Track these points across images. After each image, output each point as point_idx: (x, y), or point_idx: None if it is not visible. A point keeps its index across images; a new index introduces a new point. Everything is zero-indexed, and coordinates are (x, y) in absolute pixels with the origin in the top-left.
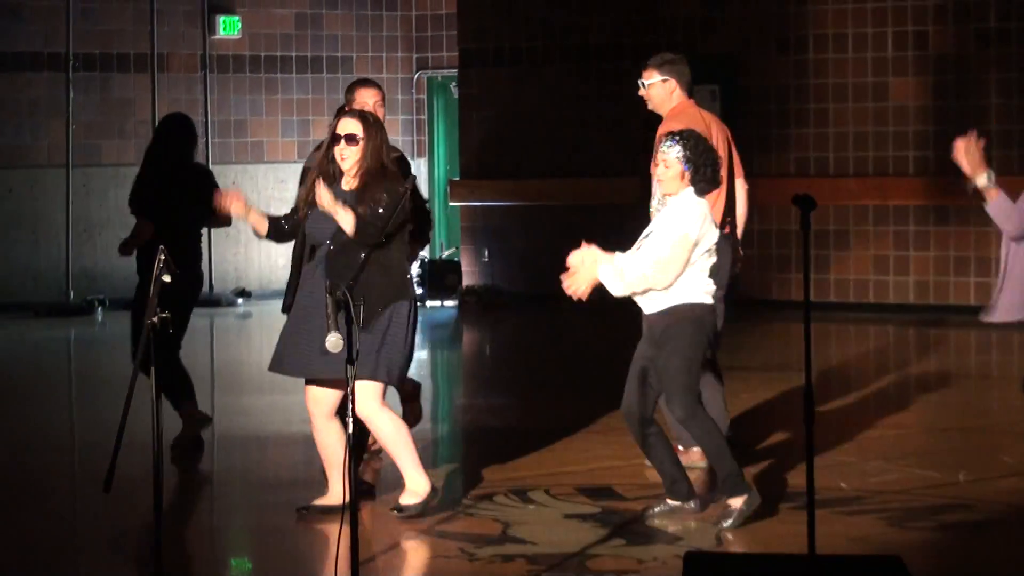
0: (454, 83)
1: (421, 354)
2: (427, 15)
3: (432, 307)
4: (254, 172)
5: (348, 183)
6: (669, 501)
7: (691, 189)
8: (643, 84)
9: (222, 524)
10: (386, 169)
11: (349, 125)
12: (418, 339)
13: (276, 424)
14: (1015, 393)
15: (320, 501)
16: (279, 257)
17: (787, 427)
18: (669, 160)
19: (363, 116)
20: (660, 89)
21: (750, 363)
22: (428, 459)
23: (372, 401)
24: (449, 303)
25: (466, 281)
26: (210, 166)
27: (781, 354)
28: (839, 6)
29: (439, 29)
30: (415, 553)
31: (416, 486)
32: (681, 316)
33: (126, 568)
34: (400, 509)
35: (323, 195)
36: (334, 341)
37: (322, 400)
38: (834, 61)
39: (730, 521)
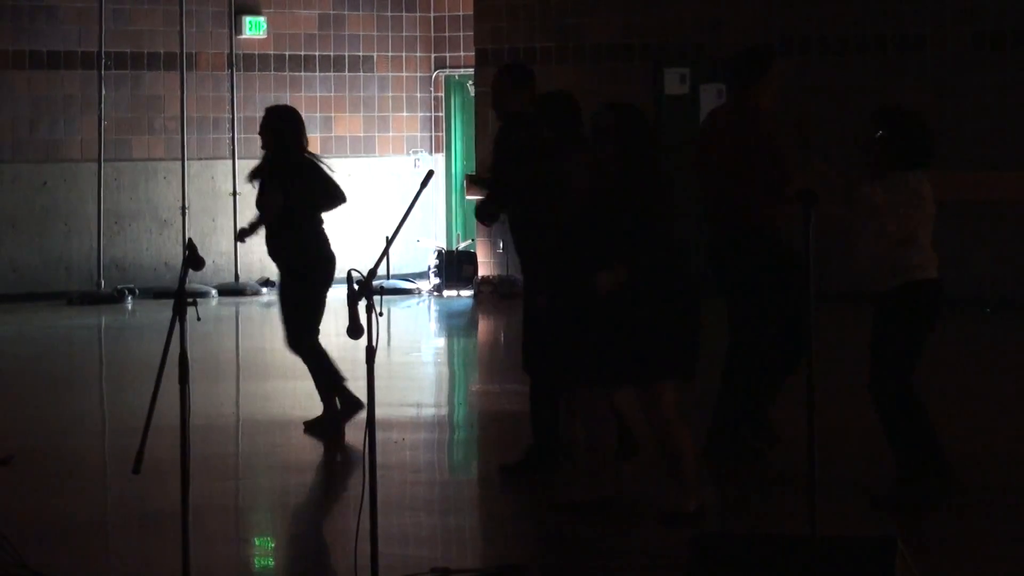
0: (471, 81)
1: (438, 342)
2: (445, 16)
3: (449, 297)
4: None
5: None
6: None
7: None
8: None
9: (246, 505)
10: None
11: (606, 118)
12: (435, 327)
13: (299, 409)
14: (1008, 379)
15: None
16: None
17: (792, 412)
18: None
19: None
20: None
21: None
22: (447, 442)
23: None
24: (465, 293)
25: (482, 272)
26: (236, 161)
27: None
28: (842, 7)
29: (457, 30)
30: (433, 531)
31: (684, 498)
32: None
33: (154, 546)
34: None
35: None
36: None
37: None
38: (836, 61)
39: None
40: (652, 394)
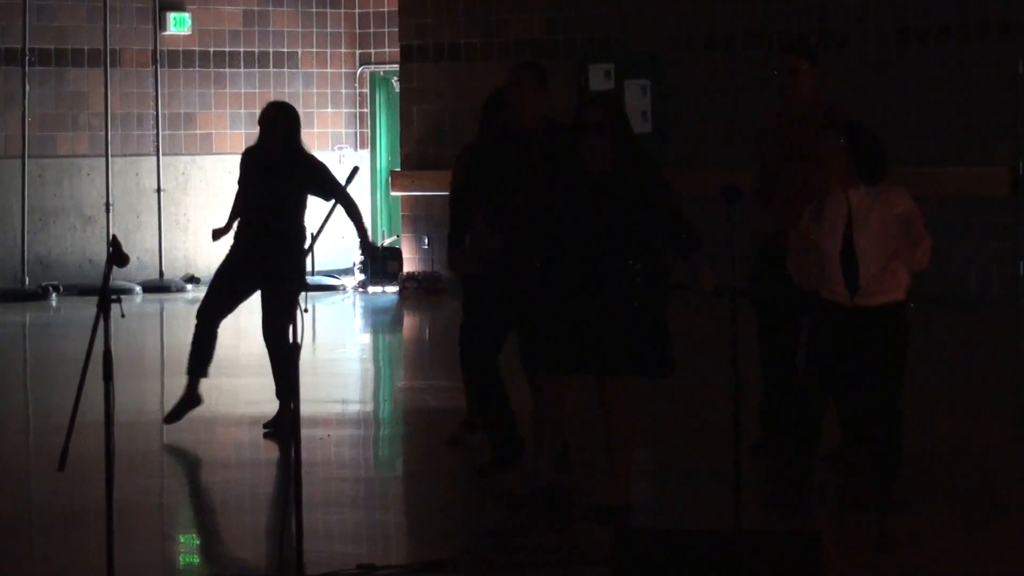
0: (395, 78)
1: (364, 338)
2: (370, 12)
3: (374, 293)
4: (203, 163)
5: (597, 168)
6: None
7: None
8: (796, 71)
9: (171, 501)
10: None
11: (595, 113)
12: (360, 323)
13: (223, 405)
14: (940, 377)
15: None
16: (226, 245)
17: (716, 409)
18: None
19: (604, 104)
20: (812, 77)
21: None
22: (372, 438)
23: (629, 393)
24: (390, 289)
25: (407, 268)
26: (160, 157)
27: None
28: (764, 3)
29: (381, 26)
30: (358, 527)
31: (619, 489)
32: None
33: (79, 543)
34: (598, 509)
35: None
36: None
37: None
38: (760, 56)
39: None
40: (619, 385)
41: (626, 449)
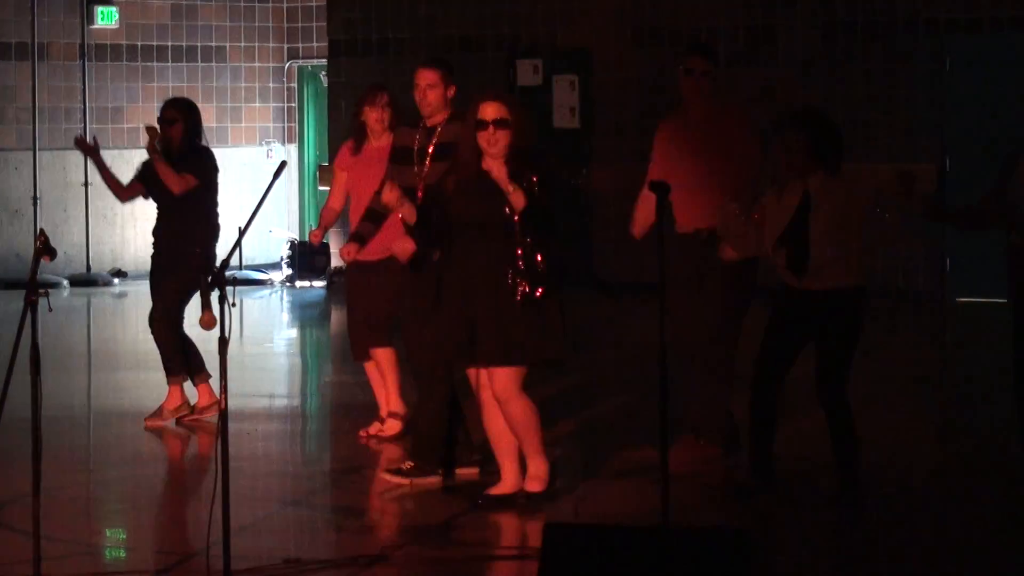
0: (324, 72)
1: (291, 332)
2: (298, 7)
3: (301, 287)
4: (130, 157)
5: (489, 163)
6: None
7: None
8: (693, 71)
9: (98, 496)
10: (531, 148)
11: (493, 109)
12: (288, 318)
13: (150, 400)
14: (866, 371)
15: (494, 491)
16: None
17: (645, 405)
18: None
19: (504, 98)
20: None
21: (607, 344)
22: (300, 433)
23: (512, 384)
24: (318, 284)
25: (334, 263)
26: None
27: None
28: (693, 0)
29: (309, 20)
30: (285, 522)
31: (540, 471)
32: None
33: (5, 539)
34: (528, 497)
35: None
36: (207, 320)
37: (485, 384)
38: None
39: None
40: (500, 377)
41: (530, 438)
